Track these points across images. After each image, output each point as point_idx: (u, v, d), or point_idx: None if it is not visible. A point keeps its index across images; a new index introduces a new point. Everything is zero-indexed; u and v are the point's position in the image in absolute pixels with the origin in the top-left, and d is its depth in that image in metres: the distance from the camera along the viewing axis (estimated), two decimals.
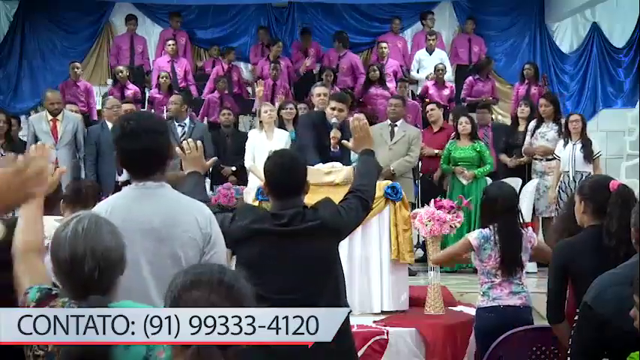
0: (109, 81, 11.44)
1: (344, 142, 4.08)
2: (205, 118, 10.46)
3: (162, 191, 2.77)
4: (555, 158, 8.10)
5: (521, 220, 4.52)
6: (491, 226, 4.49)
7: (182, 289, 1.83)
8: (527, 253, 4.52)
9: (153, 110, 9.96)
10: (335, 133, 5.98)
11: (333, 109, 6.11)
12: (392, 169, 7.68)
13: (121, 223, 2.61)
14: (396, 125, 8.02)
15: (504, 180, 6.98)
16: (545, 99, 8.53)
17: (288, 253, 3.22)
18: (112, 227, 2.22)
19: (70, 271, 2.12)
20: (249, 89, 11.84)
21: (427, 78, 11.21)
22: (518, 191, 7.98)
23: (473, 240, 4.51)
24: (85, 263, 2.10)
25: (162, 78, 10.24)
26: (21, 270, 2.28)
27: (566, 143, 7.93)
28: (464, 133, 8.11)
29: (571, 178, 7.78)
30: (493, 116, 9.97)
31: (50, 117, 8.13)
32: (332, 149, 6.00)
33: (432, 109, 8.97)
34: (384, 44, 11.39)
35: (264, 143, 7.69)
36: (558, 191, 7.91)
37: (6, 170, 2.24)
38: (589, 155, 7.80)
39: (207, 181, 8.83)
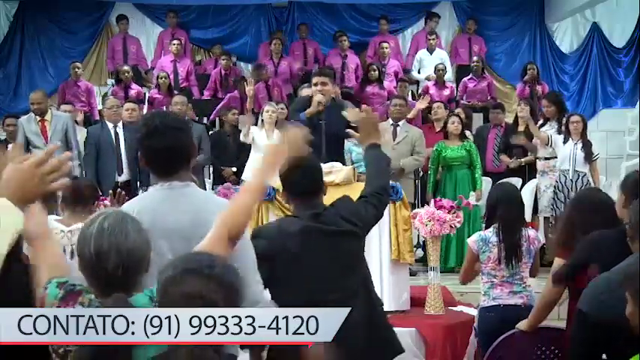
0: (109, 81, 11.43)
1: (351, 132, 3.90)
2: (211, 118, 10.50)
3: (189, 191, 2.74)
4: (548, 158, 8.09)
5: (523, 217, 4.54)
6: (492, 227, 4.50)
7: (170, 282, 1.82)
8: (531, 254, 4.51)
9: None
10: (319, 98, 5.92)
11: (316, 84, 6.06)
12: (401, 164, 7.66)
13: (149, 225, 2.60)
14: (399, 125, 8.01)
15: (505, 180, 7.00)
16: (546, 100, 8.52)
17: (312, 255, 3.13)
18: (138, 225, 2.22)
19: (94, 268, 2.12)
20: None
21: (426, 79, 11.21)
22: None
23: (472, 244, 4.52)
24: (109, 260, 2.10)
25: (162, 78, 10.21)
26: (36, 258, 2.24)
27: (566, 141, 7.90)
28: (455, 132, 8.08)
29: (569, 178, 7.76)
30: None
31: (39, 118, 8.09)
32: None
33: (437, 107, 8.97)
34: (385, 44, 11.38)
35: (263, 142, 7.80)
36: (554, 190, 7.85)
37: (27, 162, 2.20)
38: (589, 156, 7.78)
39: (209, 181, 8.85)
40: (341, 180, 5.47)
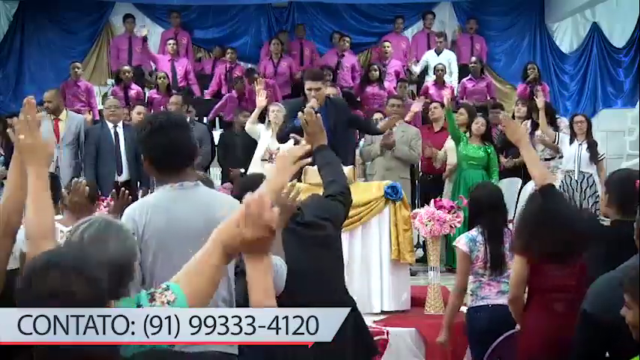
0: (109, 81, 11.43)
1: (295, 136, 3.84)
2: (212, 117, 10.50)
3: (200, 190, 2.75)
4: (553, 158, 8.08)
5: (507, 219, 4.55)
6: (476, 227, 4.49)
7: (34, 273, 1.80)
8: None
9: (152, 111, 9.95)
10: (312, 103, 5.87)
11: (310, 89, 5.99)
12: (396, 150, 7.64)
13: (164, 225, 2.57)
14: (395, 125, 8.01)
15: (503, 180, 7.00)
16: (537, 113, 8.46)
17: (303, 256, 3.15)
18: (123, 234, 2.19)
19: None
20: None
21: (418, 77, 11.23)
22: (518, 191, 8.06)
23: (464, 247, 4.48)
24: None
25: (161, 78, 10.22)
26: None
27: (571, 142, 7.89)
28: (477, 133, 7.98)
29: (574, 179, 7.74)
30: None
31: (52, 116, 8.12)
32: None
33: (434, 107, 8.95)
34: (387, 43, 11.40)
35: (269, 141, 7.88)
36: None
37: None
38: (595, 156, 7.78)
39: (217, 183, 8.85)
40: None
